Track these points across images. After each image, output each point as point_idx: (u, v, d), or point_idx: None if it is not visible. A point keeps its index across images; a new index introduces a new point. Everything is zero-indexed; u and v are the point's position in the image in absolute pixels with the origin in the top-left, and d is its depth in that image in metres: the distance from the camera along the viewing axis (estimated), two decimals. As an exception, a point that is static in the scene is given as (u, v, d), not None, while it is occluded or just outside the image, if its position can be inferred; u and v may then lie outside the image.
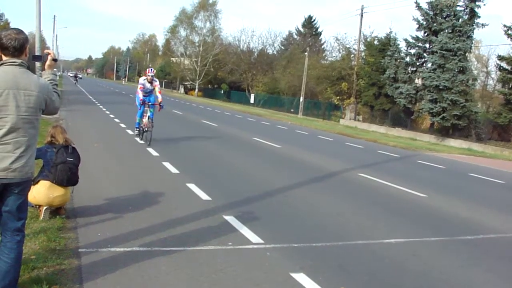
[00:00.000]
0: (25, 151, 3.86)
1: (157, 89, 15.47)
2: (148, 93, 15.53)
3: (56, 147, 6.52)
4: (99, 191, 8.19)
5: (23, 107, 3.80)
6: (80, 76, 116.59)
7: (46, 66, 4.44)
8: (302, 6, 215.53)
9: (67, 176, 6.44)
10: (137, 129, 16.03)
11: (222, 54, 75.65)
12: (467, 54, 36.88)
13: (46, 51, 4.58)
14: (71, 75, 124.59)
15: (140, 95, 15.26)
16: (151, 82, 15.35)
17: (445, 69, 35.02)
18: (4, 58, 3.86)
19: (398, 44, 41.08)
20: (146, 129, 15.07)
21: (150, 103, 15.36)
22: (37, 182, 6.35)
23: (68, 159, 6.48)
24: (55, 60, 4.48)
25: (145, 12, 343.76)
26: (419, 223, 8.56)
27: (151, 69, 15.62)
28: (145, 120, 15.29)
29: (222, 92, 76.10)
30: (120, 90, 71.89)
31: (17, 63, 3.85)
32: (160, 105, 15.19)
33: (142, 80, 15.40)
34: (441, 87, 34.77)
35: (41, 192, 6.31)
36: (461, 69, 35.08)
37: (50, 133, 6.72)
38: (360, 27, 47.88)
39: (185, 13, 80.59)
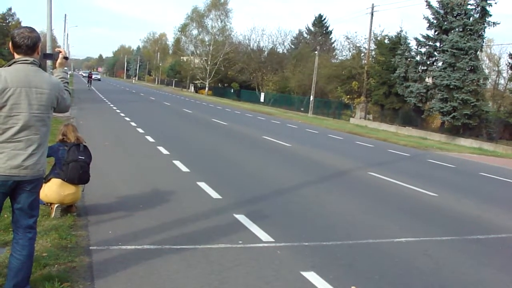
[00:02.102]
0: (37, 149, 3.88)
1: None
2: None
3: (68, 145, 6.55)
4: (110, 189, 8.23)
5: (35, 105, 3.82)
6: (99, 76, 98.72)
7: (57, 64, 4.46)
8: (312, 4, 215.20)
9: (79, 175, 6.46)
10: None
11: (233, 53, 75.70)
12: (478, 53, 36.63)
13: (57, 49, 4.60)
14: (84, 74, 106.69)
15: None
16: None
17: (456, 68, 34.81)
18: (16, 56, 3.89)
19: (409, 43, 40.86)
20: None
21: None
22: (48, 180, 6.38)
23: (79, 157, 6.50)
24: (66, 58, 4.50)
25: (155, 11, 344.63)
26: (430, 222, 8.52)
27: None
28: None
29: (232, 91, 76.07)
30: (131, 89, 72.22)
31: (29, 61, 3.86)
32: None
33: None
34: (451, 86, 34.56)
35: (53, 190, 6.34)
36: (472, 68, 34.85)
37: (61, 131, 6.74)
38: (371, 25, 47.89)
39: (197, 11, 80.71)
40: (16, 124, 3.74)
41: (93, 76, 73.55)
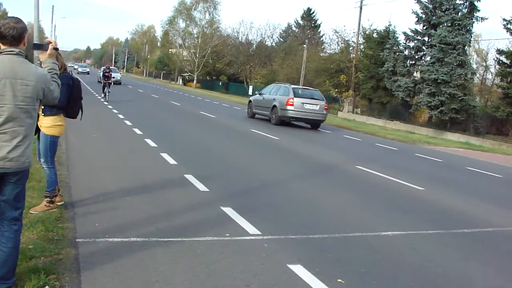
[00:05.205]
0: (22, 141, 3.85)
1: None
2: None
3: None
4: (97, 182, 8.20)
5: (20, 97, 3.78)
6: (119, 76, 59.10)
7: (47, 55, 4.41)
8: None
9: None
10: None
11: (221, 45, 75.55)
12: (466, 47, 36.84)
13: (47, 40, 4.56)
14: (82, 70, 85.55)
15: None
16: None
17: (444, 62, 34.98)
18: (2, 47, 3.84)
19: (397, 37, 41.00)
20: None
21: None
22: (50, 115, 6.42)
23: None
24: (56, 49, 4.46)
25: (144, 3, 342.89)
26: (417, 216, 8.58)
27: None
28: None
29: (220, 83, 75.97)
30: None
31: (15, 52, 3.82)
32: None
33: None
34: (439, 81, 34.73)
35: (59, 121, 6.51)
36: (460, 63, 35.03)
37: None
38: (359, 19, 47.74)
39: (184, 4, 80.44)
40: (0, 116, 3.70)
41: (114, 75, 39.24)
